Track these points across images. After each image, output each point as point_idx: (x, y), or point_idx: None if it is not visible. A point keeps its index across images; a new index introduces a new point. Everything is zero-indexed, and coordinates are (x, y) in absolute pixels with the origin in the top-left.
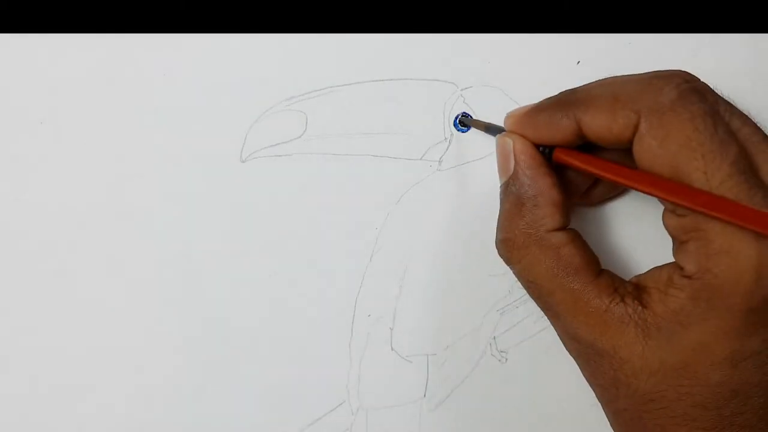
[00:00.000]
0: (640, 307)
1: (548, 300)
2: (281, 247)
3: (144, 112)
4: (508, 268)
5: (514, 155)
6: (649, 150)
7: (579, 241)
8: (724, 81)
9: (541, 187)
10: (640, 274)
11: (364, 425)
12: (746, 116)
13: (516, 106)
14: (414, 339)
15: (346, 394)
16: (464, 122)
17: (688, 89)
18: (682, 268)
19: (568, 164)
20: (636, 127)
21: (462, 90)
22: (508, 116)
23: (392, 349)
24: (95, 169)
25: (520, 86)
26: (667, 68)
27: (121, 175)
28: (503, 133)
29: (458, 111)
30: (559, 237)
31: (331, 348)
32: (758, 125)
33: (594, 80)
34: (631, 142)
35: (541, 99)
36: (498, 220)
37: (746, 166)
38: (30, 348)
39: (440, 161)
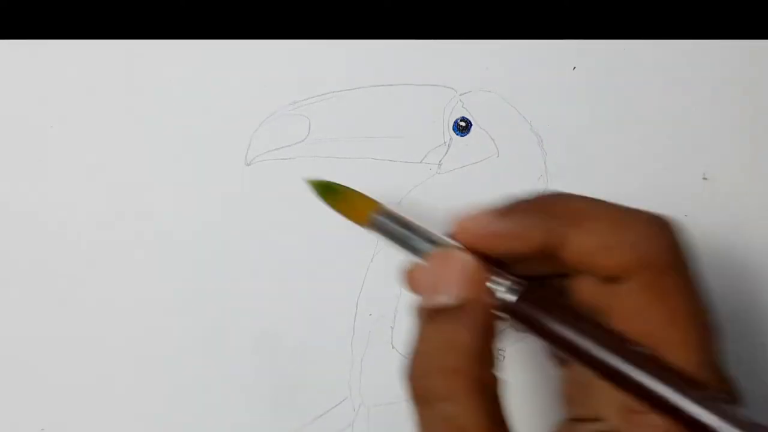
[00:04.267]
0: None
1: None
2: (284, 248)
3: (151, 116)
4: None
5: (473, 282)
6: (637, 306)
7: (500, 391)
8: (719, 87)
9: (486, 323)
10: None
11: (366, 422)
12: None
13: (513, 111)
14: None
15: (348, 391)
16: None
17: (682, 249)
18: None
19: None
20: (627, 273)
21: (461, 95)
22: (460, 227)
23: (393, 347)
24: (103, 172)
25: (518, 91)
26: (663, 74)
27: (128, 178)
28: (449, 248)
29: (457, 115)
30: (495, 380)
31: (334, 346)
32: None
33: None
34: (610, 280)
35: (536, 103)
36: (422, 345)
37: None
38: (33, 349)
39: (440, 164)
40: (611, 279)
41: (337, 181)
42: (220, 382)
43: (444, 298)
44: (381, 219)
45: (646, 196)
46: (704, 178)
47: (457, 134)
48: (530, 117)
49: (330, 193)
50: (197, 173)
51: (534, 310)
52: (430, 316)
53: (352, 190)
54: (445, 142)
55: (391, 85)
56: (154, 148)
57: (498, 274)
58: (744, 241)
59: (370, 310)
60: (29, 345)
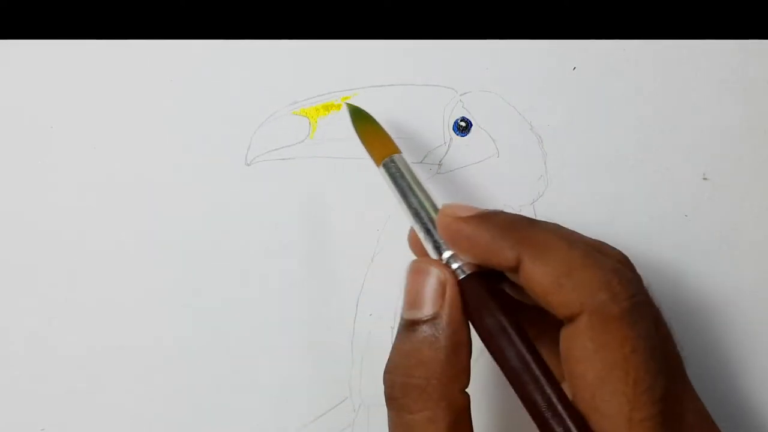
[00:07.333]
0: None
1: None
2: (285, 248)
3: (151, 116)
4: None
5: (447, 299)
6: (583, 350)
7: (468, 410)
8: (718, 87)
9: (460, 341)
10: None
11: (366, 421)
12: (674, 339)
13: (513, 111)
14: None
15: (348, 391)
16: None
17: (641, 302)
18: None
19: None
20: (576, 315)
21: (461, 95)
22: (448, 214)
23: None
24: (103, 172)
25: (518, 91)
26: (663, 74)
27: (128, 178)
28: (426, 260)
29: (457, 116)
30: (463, 400)
31: (334, 346)
32: (681, 352)
33: (555, 221)
34: (561, 319)
35: (536, 103)
36: (396, 355)
37: (669, 405)
38: (33, 349)
39: (440, 164)
40: (565, 317)
41: (337, 182)
42: (220, 382)
43: (418, 313)
44: (393, 167)
45: (646, 196)
46: (704, 178)
47: (457, 134)
48: (530, 117)
49: (361, 121)
50: (197, 173)
51: (470, 301)
52: (407, 327)
53: (382, 129)
54: (445, 142)
55: (391, 85)
56: (154, 148)
57: (458, 260)
58: (744, 241)
59: (370, 310)
60: (29, 345)
